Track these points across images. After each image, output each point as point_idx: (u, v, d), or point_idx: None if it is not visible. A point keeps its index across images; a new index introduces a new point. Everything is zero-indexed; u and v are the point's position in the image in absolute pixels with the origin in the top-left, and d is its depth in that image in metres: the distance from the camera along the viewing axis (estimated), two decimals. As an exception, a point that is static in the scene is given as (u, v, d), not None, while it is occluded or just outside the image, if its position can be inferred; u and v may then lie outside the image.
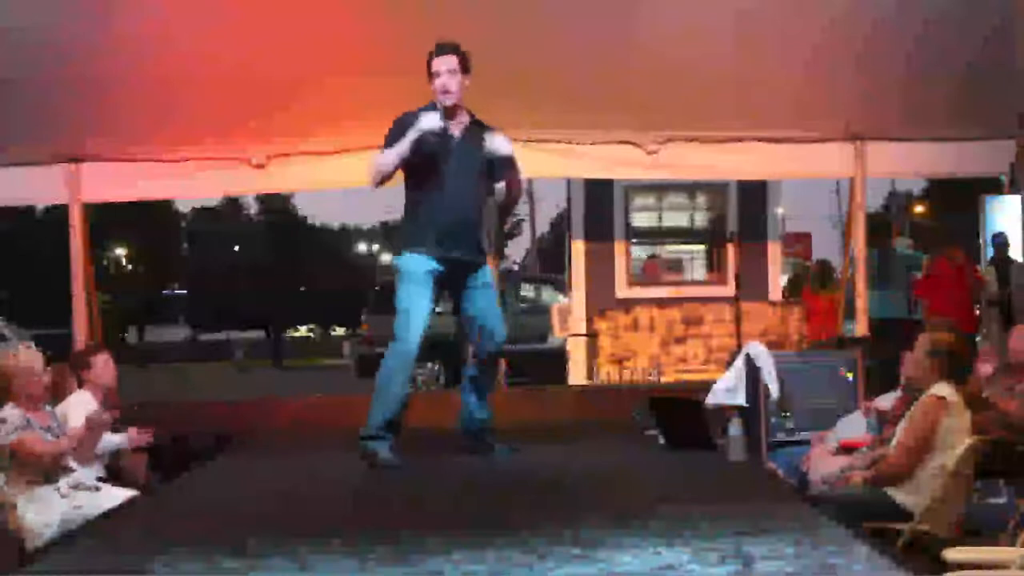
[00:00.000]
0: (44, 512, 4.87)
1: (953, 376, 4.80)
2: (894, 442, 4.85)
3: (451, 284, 5.45)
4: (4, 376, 5.12)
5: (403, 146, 5.27)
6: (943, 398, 4.70)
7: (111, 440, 5.74)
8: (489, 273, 5.49)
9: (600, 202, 11.71)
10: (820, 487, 5.15)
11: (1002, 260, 10.66)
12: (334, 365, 27.59)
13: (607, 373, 10.43)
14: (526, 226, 41.94)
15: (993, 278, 10.45)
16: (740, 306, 8.82)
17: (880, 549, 3.57)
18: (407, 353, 5.38)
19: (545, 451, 5.73)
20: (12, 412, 5.04)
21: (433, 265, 5.38)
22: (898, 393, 5.75)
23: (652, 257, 12.08)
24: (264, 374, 26.55)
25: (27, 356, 5.27)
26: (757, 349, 6.53)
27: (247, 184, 8.56)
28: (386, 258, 54.12)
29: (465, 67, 5.31)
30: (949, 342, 4.87)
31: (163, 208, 39.27)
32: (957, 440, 4.61)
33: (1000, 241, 10.83)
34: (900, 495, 4.68)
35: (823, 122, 7.79)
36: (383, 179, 5.45)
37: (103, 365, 5.97)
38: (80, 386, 5.88)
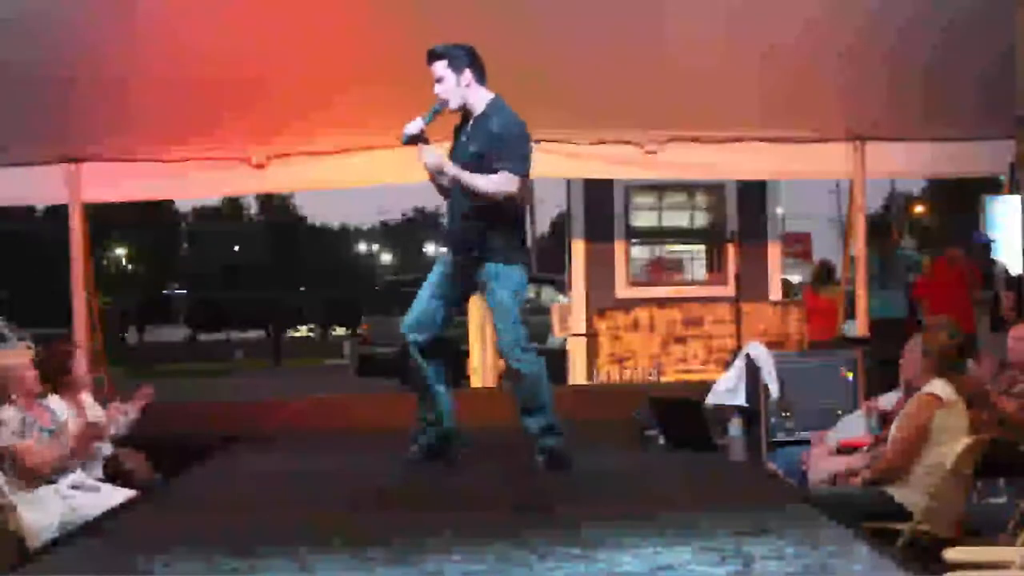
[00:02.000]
0: (44, 512, 4.87)
1: (948, 374, 4.81)
2: (889, 439, 4.86)
3: (469, 284, 5.40)
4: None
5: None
6: (937, 396, 4.72)
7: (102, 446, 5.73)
8: (497, 269, 5.23)
9: (600, 202, 11.68)
10: (820, 487, 5.15)
11: (986, 261, 10.67)
12: (334, 365, 27.57)
13: (607, 373, 10.41)
14: (526, 226, 41.92)
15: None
16: (740, 306, 8.82)
17: (880, 549, 3.57)
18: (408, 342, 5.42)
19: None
20: (10, 414, 5.05)
21: (443, 267, 5.44)
22: (899, 393, 5.75)
23: (657, 260, 12.07)
24: (264, 374, 26.52)
25: (18, 354, 5.28)
26: (757, 349, 6.53)
27: (247, 184, 8.56)
28: (386, 258, 54.22)
29: (457, 65, 5.21)
30: (943, 341, 4.89)
31: (163, 208, 39.30)
32: (952, 438, 4.62)
33: (983, 242, 10.85)
34: (898, 493, 4.68)
35: (823, 122, 7.79)
36: (440, 190, 5.45)
37: (76, 362, 5.85)
38: (55, 390, 5.64)
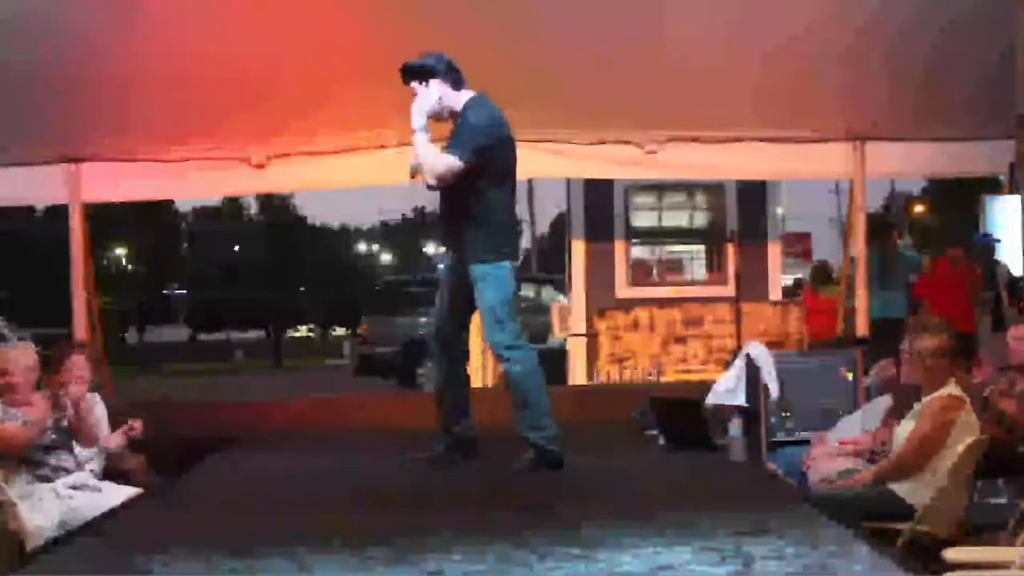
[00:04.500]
0: (44, 512, 4.87)
1: (960, 374, 4.83)
2: (902, 438, 4.84)
3: (466, 282, 5.44)
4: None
5: None
6: (960, 397, 4.73)
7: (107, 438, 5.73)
8: (479, 270, 5.27)
9: (600, 202, 11.70)
10: (820, 487, 5.15)
11: (988, 261, 10.65)
12: (335, 365, 27.57)
13: (607, 373, 10.42)
14: (526, 226, 42.00)
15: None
16: (740, 306, 8.82)
17: (880, 549, 3.57)
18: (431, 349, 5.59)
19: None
20: None
21: (446, 264, 5.56)
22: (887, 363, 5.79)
23: (641, 263, 12.10)
24: (264, 374, 26.52)
25: (21, 352, 5.31)
26: (757, 349, 6.52)
27: (247, 184, 8.56)
28: (386, 258, 54.21)
29: (424, 78, 5.29)
30: (951, 343, 4.90)
31: (163, 208, 39.25)
32: (969, 437, 4.63)
33: (985, 242, 10.83)
34: (906, 491, 4.68)
35: (823, 122, 7.78)
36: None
37: (75, 365, 5.77)
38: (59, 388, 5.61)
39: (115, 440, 5.82)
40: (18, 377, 5.19)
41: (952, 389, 4.77)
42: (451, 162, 5.18)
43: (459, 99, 5.34)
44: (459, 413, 5.53)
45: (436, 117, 5.33)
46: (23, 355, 5.32)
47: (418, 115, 5.26)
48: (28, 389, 5.26)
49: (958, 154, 8.00)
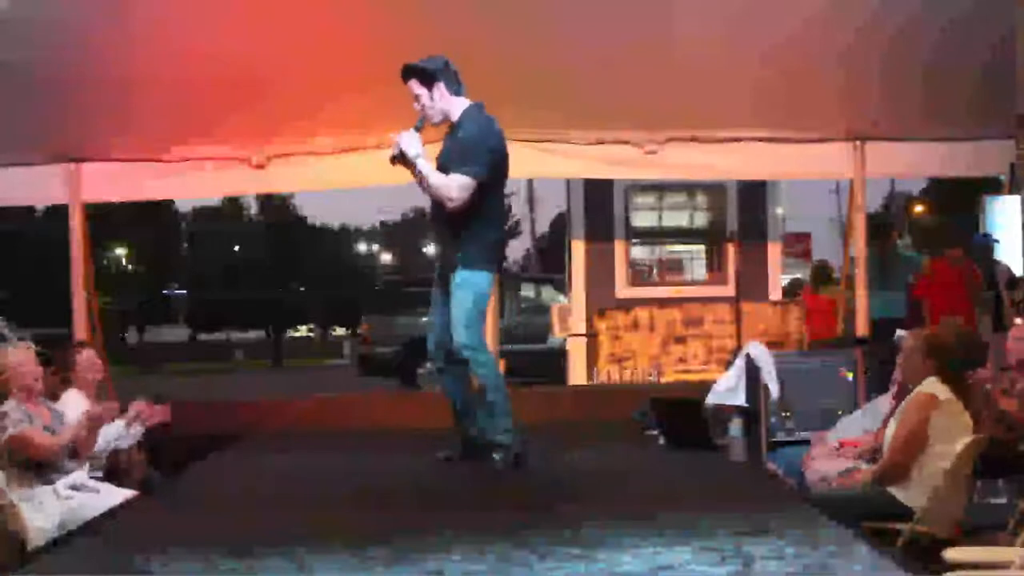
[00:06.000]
0: (45, 513, 4.87)
1: (947, 374, 4.82)
2: (888, 440, 4.85)
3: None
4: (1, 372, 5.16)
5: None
6: (934, 395, 4.73)
7: (114, 429, 5.74)
8: (459, 277, 5.28)
9: (600, 202, 11.71)
10: (820, 487, 5.15)
11: (988, 261, 10.65)
12: (335, 365, 27.56)
13: (607, 373, 10.43)
14: (526, 226, 42.00)
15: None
16: (740, 306, 8.82)
17: (880, 549, 3.57)
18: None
19: (545, 451, 5.73)
20: (12, 406, 5.07)
21: (437, 282, 5.52)
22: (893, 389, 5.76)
23: (641, 263, 12.12)
24: (263, 374, 26.51)
25: (19, 352, 5.32)
26: (757, 349, 6.53)
27: (247, 184, 8.55)
28: (386, 258, 54.21)
29: (425, 79, 5.27)
30: (941, 341, 4.90)
31: (163, 208, 39.23)
32: (951, 439, 4.62)
33: (985, 243, 10.83)
34: (902, 494, 4.69)
35: (823, 122, 7.78)
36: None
37: (87, 361, 5.94)
38: (69, 385, 5.82)
39: (119, 427, 5.84)
40: (29, 379, 5.22)
41: (928, 387, 4.77)
42: (464, 182, 5.16)
43: (456, 105, 5.33)
44: (471, 420, 5.53)
45: (426, 121, 5.34)
46: (26, 355, 5.35)
47: (413, 144, 5.20)
48: (36, 393, 5.29)
49: (958, 154, 8.00)
